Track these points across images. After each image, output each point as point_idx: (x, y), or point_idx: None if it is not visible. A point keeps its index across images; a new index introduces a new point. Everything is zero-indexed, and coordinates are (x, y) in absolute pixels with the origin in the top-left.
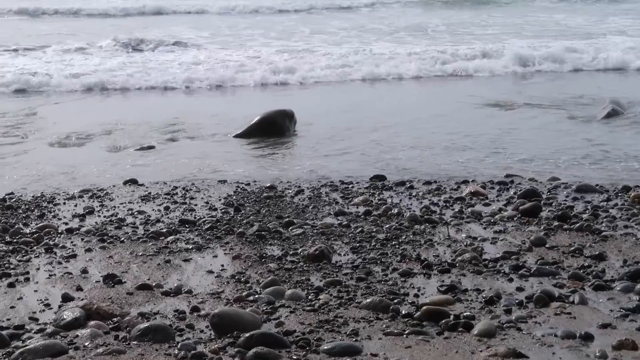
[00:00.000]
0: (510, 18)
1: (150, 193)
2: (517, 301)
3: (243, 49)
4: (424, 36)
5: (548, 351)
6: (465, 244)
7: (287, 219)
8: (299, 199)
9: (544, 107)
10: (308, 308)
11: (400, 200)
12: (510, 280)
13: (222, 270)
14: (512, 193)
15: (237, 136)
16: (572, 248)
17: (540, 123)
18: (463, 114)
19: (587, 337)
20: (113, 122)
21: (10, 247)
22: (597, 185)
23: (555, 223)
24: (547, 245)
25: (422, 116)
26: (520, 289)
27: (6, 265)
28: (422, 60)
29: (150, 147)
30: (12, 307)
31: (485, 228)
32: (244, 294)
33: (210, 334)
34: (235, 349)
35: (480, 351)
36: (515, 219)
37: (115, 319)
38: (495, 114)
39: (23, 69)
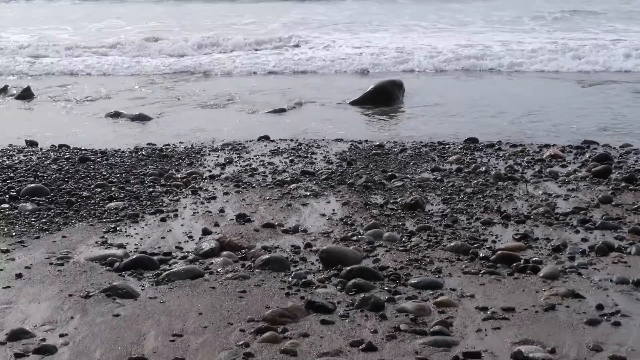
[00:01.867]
0: None
1: (279, 148)
2: (580, 250)
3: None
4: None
5: (603, 293)
6: (541, 199)
7: (390, 173)
8: (402, 157)
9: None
10: (401, 248)
11: (489, 160)
12: (577, 232)
13: (333, 214)
14: (587, 156)
15: (352, 103)
16: (635, 206)
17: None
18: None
19: (639, 283)
20: (253, 89)
21: (164, 189)
22: None
23: (623, 184)
24: (613, 203)
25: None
26: (584, 240)
27: (160, 203)
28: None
29: (282, 110)
30: (162, 238)
31: (560, 186)
32: (349, 234)
33: (319, 266)
34: (338, 279)
35: (544, 291)
36: (587, 179)
37: (243, 251)
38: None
39: None
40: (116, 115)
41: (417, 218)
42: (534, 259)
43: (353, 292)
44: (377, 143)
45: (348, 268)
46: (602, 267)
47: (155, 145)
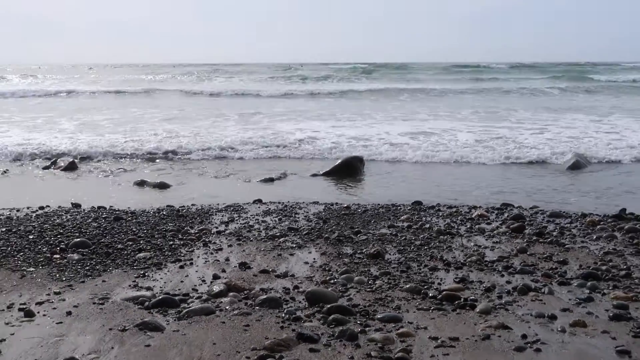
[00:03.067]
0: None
1: (269, 209)
2: (506, 290)
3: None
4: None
5: (526, 325)
6: (473, 250)
7: (356, 229)
8: (365, 216)
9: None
10: (368, 289)
11: (431, 218)
12: (502, 275)
13: (314, 261)
14: (505, 216)
15: (324, 174)
16: (545, 255)
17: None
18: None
19: (552, 317)
20: (247, 167)
21: (182, 242)
22: (563, 212)
23: (534, 237)
24: (528, 253)
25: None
26: (508, 282)
27: (178, 253)
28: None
29: (271, 179)
30: (181, 282)
31: (487, 239)
32: (327, 278)
33: (305, 304)
34: (321, 315)
35: (480, 323)
36: (507, 234)
37: (245, 292)
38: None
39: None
40: (142, 183)
41: (379, 265)
42: (471, 298)
43: (333, 325)
44: (345, 205)
45: (328, 306)
46: (524, 304)
47: (173, 206)
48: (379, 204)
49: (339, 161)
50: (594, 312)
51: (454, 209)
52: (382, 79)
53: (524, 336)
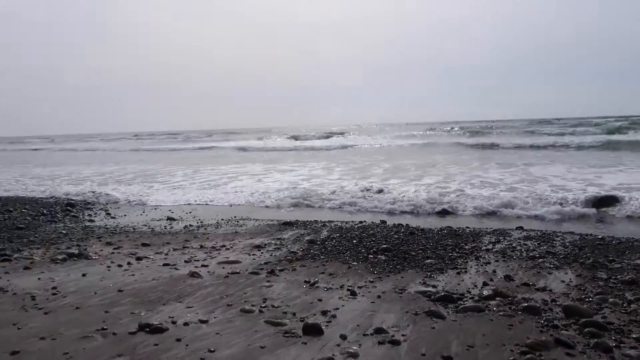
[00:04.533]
0: None
1: (530, 235)
2: None
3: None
4: None
5: None
6: None
7: (610, 258)
8: (619, 247)
9: None
10: (622, 311)
11: None
12: None
13: (570, 281)
14: None
15: (587, 206)
16: None
17: None
18: None
19: None
20: None
21: (458, 254)
22: None
23: None
24: None
25: None
26: None
27: (455, 263)
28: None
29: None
30: (458, 284)
31: None
32: (582, 296)
33: (562, 315)
34: (576, 326)
35: None
36: None
37: (509, 298)
38: None
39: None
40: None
41: (634, 291)
42: None
43: (588, 337)
44: (600, 236)
45: (584, 319)
46: None
47: (451, 227)
48: (633, 238)
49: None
50: None
51: None
52: None
53: None
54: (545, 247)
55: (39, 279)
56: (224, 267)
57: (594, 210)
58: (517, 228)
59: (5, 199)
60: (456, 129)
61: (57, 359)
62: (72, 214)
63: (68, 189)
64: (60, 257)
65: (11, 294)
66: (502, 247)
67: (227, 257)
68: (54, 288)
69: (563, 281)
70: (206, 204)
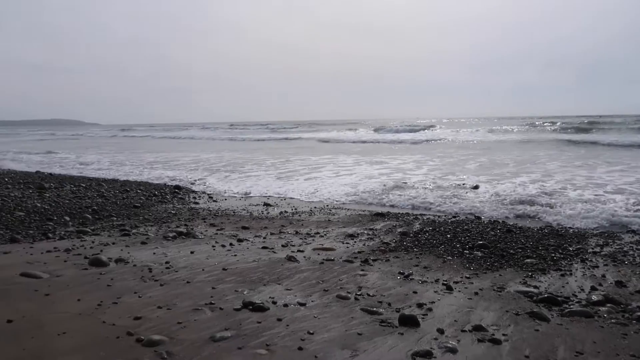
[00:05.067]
0: None
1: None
2: None
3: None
4: None
5: None
6: None
7: None
8: None
9: None
10: None
11: None
12: None
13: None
14: None
15: None
16: None
17: None
18: None
19: None
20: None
21: (561, 256)
22: None
23: None
24: None
25: None
26: None
27: (559, 264)
28: None
29: None
30: (562, 287)
31: None
32: None
33: None
34: None
35: None
36: None
37: (622, 306)
38: None
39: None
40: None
41: None
42: None
43: None
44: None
45: None
46: None
47: (552, 226)
48: None
49: None
50: None
51: None
52: None
53: None
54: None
55: (154, 253)
56: (319, 254)
57: None
58: (628, 231)
59: (124, 181)
60: (558, 124)
61: (173, 327)
62: (179, 196)
63: (173, 174)
64: (171, 234)
65: (132, 265)
66: (611, 251)
67: (322, 244)
68: (167, 262)
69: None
70: (299, 197)
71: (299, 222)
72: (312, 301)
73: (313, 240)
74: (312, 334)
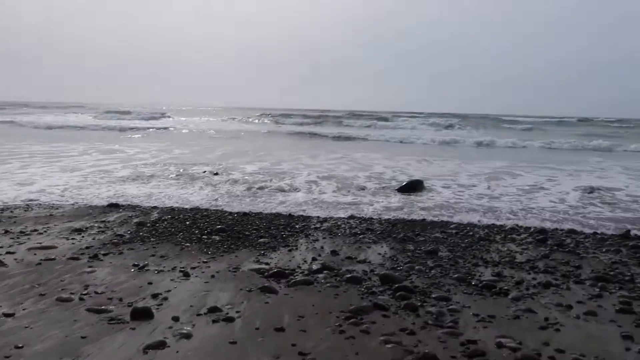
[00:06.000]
0: None
1: (352, 214)
2: (532, 284)
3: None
4: None
5: (547, 311)
6: (506, 253)
7: (417, 232)
8: (423, 223)
9: None
10: (425, 276)
11: (474, 227)
12: (529, 273)
13: (385, 253)
14: (531, 230)
15: (398, 190)
16: (563, 261)
17: None
18: None
19: (569, 307)
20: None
21: (289, 233)
22: None
23: (555, 247)
24: (549, 258)
25: None
26: (534, 279)
27: (287, 241)
28: None
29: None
30: (289, 260)
31: (517, 246)
32: (395, 265)
33: (379, 283)
34: (390, 291)
35: (512, 307)
36: (532, 243)
37: (335, 271)
38: None
39: None
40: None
41: (434, 259)
42: (504, 287)
43: (399, 299)
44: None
45: (396, 285)
46: (546, 295)
47: (284, 212)
48: (435, 215)
49: (407, 180)
50: (604, 305)
51: (491, 222)
52: None
53: (546, 319)
54: (365, 225)
55: None
56: (35, 254)
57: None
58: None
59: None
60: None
61: None
62: None
63: None
64: None
65: None
66: (329, 226)
67: (40, 242)
68: None
69: (379, 253)
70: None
71: (11, 220)
72: (23, 309)
73: (29, 239)
74: (21, 347)
